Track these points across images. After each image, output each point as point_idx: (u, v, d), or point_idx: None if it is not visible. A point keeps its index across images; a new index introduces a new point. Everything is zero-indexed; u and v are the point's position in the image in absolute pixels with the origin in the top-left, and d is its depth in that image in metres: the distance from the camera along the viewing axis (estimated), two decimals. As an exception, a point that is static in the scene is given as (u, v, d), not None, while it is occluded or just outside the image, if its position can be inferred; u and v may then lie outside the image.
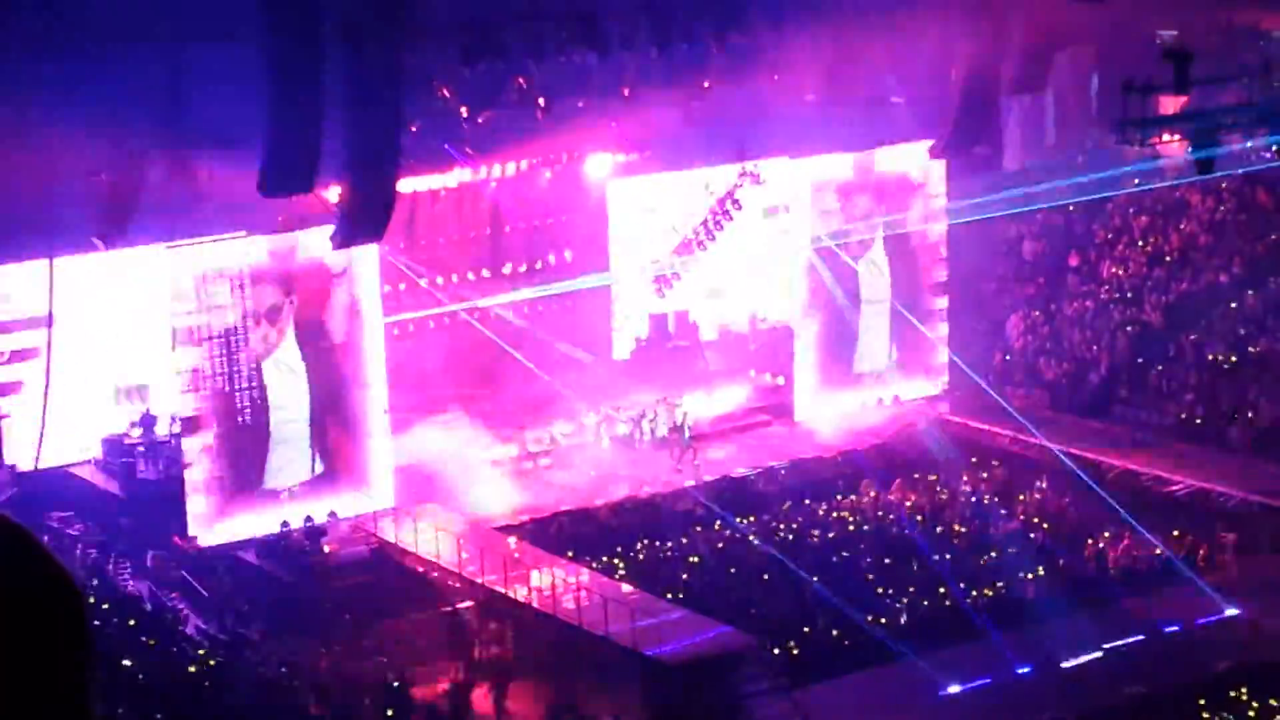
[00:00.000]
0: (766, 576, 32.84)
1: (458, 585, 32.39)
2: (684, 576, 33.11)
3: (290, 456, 34.47)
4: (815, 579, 32.22)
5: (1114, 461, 36.82)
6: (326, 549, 34.08)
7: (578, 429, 38.49)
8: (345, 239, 34.13)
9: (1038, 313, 42.96)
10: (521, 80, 37.29)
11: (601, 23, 37.05)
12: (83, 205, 34.04)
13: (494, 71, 36.99)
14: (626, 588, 31.79)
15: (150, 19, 30.19)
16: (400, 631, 31.40)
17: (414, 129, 35.24)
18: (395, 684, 29.69)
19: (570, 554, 33.50)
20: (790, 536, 34.69)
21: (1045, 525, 34.73)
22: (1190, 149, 33.08)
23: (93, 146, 31.93)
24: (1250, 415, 37.75)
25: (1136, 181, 43.04)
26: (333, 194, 33.60)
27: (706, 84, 38.78)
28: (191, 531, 33.38)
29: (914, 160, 40.89)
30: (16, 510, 31.93)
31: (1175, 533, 33.88)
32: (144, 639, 29.97)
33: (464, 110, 37.25)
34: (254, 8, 29.82)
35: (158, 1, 30.68)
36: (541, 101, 37.58)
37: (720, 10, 38.09)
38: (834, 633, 30.81)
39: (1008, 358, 41.83)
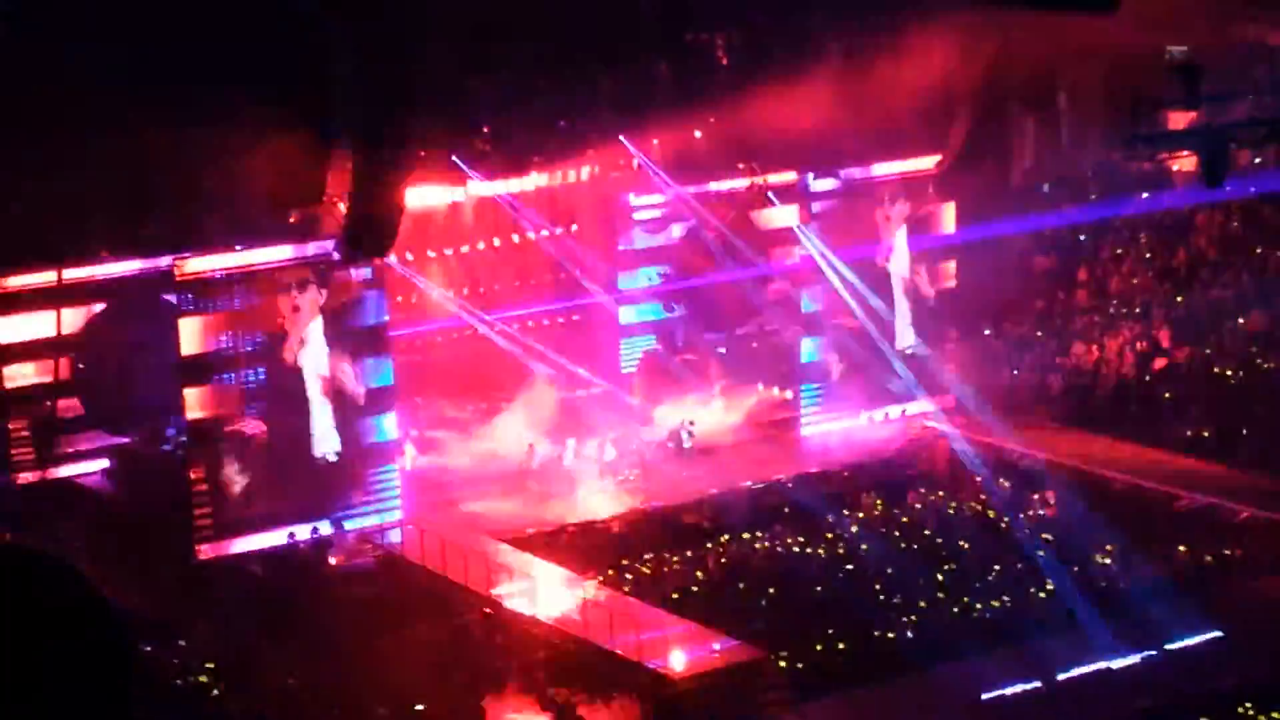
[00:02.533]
0: (773, 590, 32.81)
1: (464, 597, 32.38)
2: (691, 589, 33.09)
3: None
4: (819, 588, 32.31)
5: (1121, 477, 36.76)
6: (333, 560, 34.14)
7: (583, 444, 38.46)
8: (351, 251, 34.15)
9: (1046, 328, 42.93)
10: (532, 93, 37.40)
11: (612, 37, 37.16)
12: (91, 216, 34.11)
13: (504, 85, 37.10)
14: (633, 600, 31.77)
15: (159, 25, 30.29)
16: (407, 643, 31.35)
17: (423, 149, 35.36)
18: (402, 697, 29.65)
19: (577, 566, 33.49)
20: (797, 549, 34.67)
21: (1052, 540, 34.64)
22: (1200, 164, 33.06)
23: (101, 157, 32.01)
24: (1258, 431, 37.68)
25: (1145, 196, 43.05)
26: (343, 205, 33.62)
27: (717, 97, 38.92)
28: (198, 543, 33.47)
29: (921, 175, 40.93)
30: (23, 521, 32.05)
31: (1182, 548, 33.81)
32: (147, 649, 29.93)
33: (475, 123, 37.35)
34: (265, 14, 29.90)
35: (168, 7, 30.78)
36: (553, 116, 37.71)
37: (731, 25, 38.19)
38: (842, 646, 30.76)
39: (1015, 372, 41.78)
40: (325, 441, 34.80)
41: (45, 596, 3.17)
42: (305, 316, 34.36)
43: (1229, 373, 39.94)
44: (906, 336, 41.11)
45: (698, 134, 40.24)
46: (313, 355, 34.58)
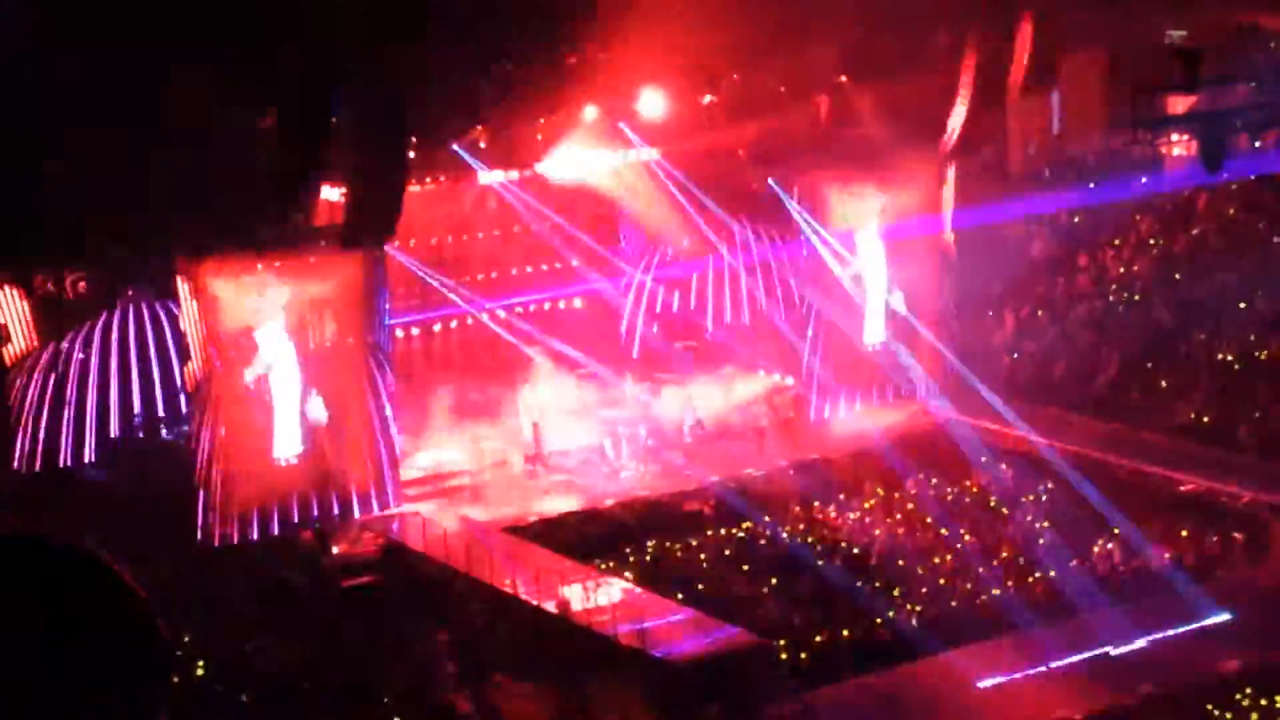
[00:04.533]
0: (775, 579, 32.81)
1: (467, 587, 32.41)
2: (693, 576, 33.10)
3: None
4: (821, 562, 32.37)
5: (1123, 462, 36.76)
6: (335, 550, 34.17)
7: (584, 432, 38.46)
8: (353, 239, 34.13)
9: (1046, 313, 42.91)
10: (532, 82, 37.34)
11: (611, 23, 37.06)
12: (94, 214, 34.05)
13: (504, 73, 37.01)
14: (635, 588, 31.79)
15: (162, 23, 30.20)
16: (409, 633, 31.40)
17: (424, 132, 35.33)
18: (403, 686, 29.70)
19: (579, 554, 33.51)
20: (799, 537, 34.67)
21: (1053, 526, 34.66)
22: (1199, 149, 33.05)
23: (108, 155, 31.96)
24: (1260, 415, 37.67)
25: (1145, 181, 42.99)
26: (338, 194, 33.58)
27: (716, 86, 38.93)
28: (201, 533, 33.52)
29: (921, 162, 40.88)
30: (26, 512, 32.04)
31: (1184, 533, 33.83)
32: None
33: (474, 111, 37.29)
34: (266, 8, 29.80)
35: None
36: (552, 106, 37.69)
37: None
38: (844, 633, 30.78)
39: (1015, 356, 41.78)
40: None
41: (80, 588, 3.18)
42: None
43: (1230, 358, 39.92)
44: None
45: (698, 120, 40.12)
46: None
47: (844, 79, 40.12)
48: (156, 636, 3.35)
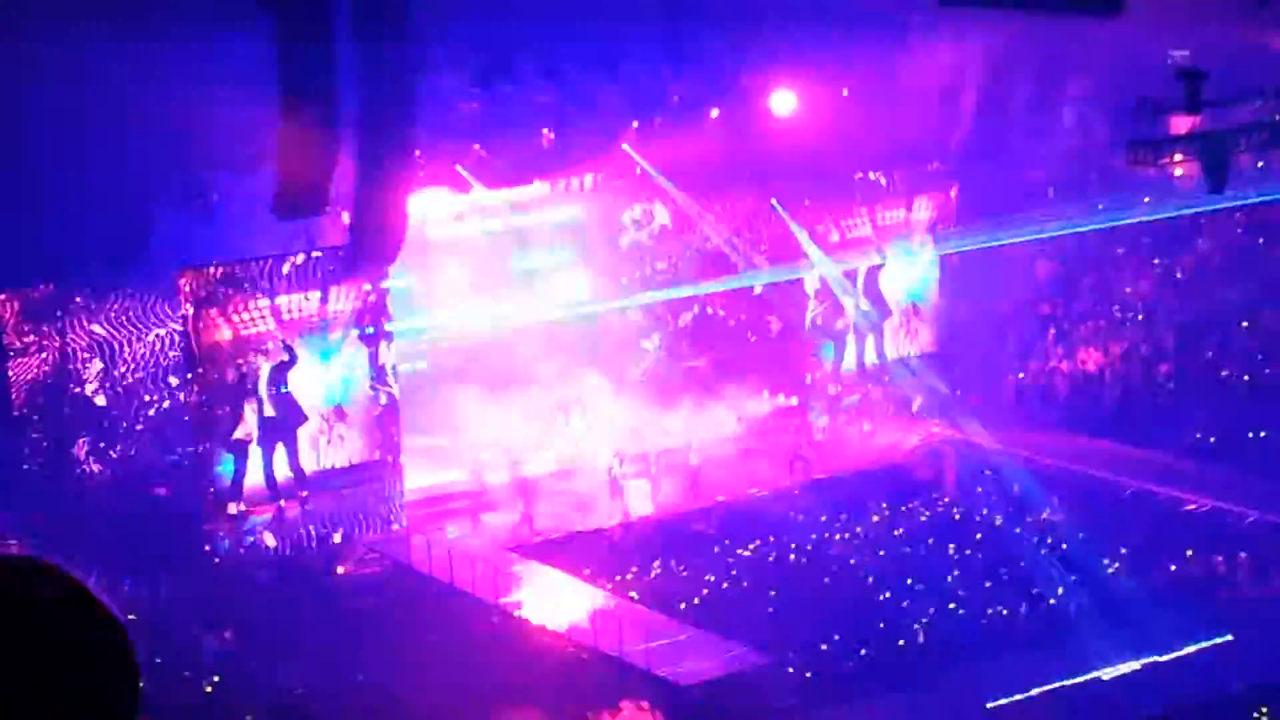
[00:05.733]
0: (781, 599, 32.71)
1: (472, 607, 32.33)
2: (699, 596, 33.02)
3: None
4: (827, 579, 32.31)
5: (1128, 481, 36.73)
6: (340, 569, 34.09)
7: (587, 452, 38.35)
8: (356, 263, 34.09)
9: (1052, 332, 42.91)
10: (535, 103, 37.37)
11: (615, 47, 37.14)
12: (95, 229, 34.07)
13: (508, 95, 37.05)
14: (641, 608, 31.71)
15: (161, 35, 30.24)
16: (415, 652, 31.31)
17: (426, 152, 35.25)
18: (408, 708, 29.60)
19: (585, 573, 33.45)
20: (804, 557, 34.60)
21: (1060, 545, 34.61)
22: (1202, 169, 33.05)
23: (105, 169, 31.96)
24: (1265, 434, 37.65)
25: (1148, 201, 43.00)
26: (347, 217, 33.54)
27: (716, 111, 39.00)
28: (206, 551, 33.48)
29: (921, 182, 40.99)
30: (29, 527, 31.98)
31: (1190, 552, 33.77)
32: (156, 660, 29.87)
33: (478, 133, 37.28)
34: (267, 26, 29.79)
35: (168, 16, 30.70)
36: (553, 126, 37.67)
37: (733, 36, 38.15)
38: (851, 654, 30.69)
39: (1021, 376, 41.76)
40: None
41: (45, 608, 3.11)
42: None
43: (1235, 376, 39.91)
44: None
45: (702, 144, 40.04)
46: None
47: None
48: (128, 660, 3.25)
